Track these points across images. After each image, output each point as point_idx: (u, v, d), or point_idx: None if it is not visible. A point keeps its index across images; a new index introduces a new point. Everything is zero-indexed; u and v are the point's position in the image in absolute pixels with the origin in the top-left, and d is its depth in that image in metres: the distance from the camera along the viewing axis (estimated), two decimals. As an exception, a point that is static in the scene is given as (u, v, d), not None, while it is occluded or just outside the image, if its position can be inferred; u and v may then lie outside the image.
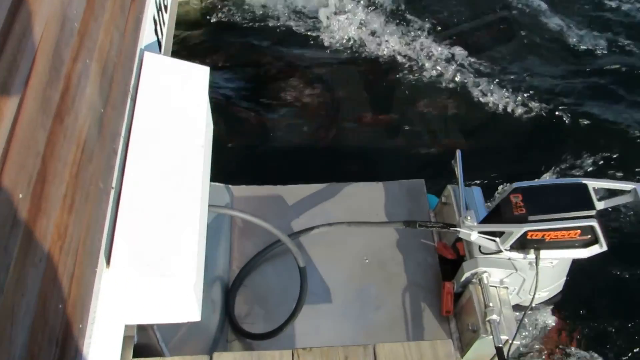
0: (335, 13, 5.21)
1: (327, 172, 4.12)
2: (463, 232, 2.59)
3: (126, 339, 2.02)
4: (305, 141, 4.49)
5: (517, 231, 2.46)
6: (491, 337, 2.60)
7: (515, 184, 2.55)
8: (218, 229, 3.09)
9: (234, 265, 3.12)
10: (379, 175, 3.68)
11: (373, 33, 5.14)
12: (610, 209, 2.76)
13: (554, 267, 2.68)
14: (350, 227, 2.96)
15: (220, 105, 4.50)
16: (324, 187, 3.33)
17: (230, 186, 3.33)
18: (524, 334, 3.33)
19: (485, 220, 2.64)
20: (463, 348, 2.85)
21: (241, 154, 4.39)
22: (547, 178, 4.20)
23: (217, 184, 3.19)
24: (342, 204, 3.30)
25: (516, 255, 2.58)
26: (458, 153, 2.81)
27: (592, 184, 2.48)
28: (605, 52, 5.07)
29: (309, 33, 5.21)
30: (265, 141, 4.52)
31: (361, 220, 3.02)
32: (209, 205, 2.03)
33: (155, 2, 2.46)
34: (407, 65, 4.96)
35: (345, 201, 3.31)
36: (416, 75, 4.90)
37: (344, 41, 5.11)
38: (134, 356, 2.27)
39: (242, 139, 4.49)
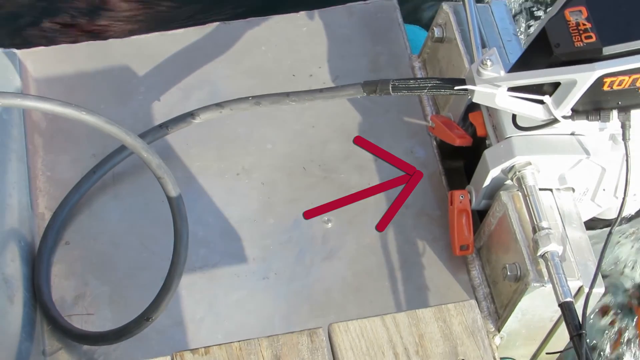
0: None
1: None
2: (480, 91, 2.09)
3: None
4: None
5: (583, 78, 1.94)
6: (549, 285, 2.02)
7: None
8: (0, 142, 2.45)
9: (40, 205, 2.43)
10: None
11: None
12: None
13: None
14: (261, 107, 2.34)
15: None
16: (201, 31, 2.70)
17: (16, 51, 2.64)
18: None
19: (519, 65, 2.10)
20: (499, 312, 2.25)
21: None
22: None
23: None
24: (243, 62, 2.64)
25: (585, 126, 2.10)
26: None
27: None
28: None
29: None
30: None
31: (281, 92, 2.36)
32: None
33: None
34: None
35: (249, 54, 2.68)
36: None
37: None
38: None
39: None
